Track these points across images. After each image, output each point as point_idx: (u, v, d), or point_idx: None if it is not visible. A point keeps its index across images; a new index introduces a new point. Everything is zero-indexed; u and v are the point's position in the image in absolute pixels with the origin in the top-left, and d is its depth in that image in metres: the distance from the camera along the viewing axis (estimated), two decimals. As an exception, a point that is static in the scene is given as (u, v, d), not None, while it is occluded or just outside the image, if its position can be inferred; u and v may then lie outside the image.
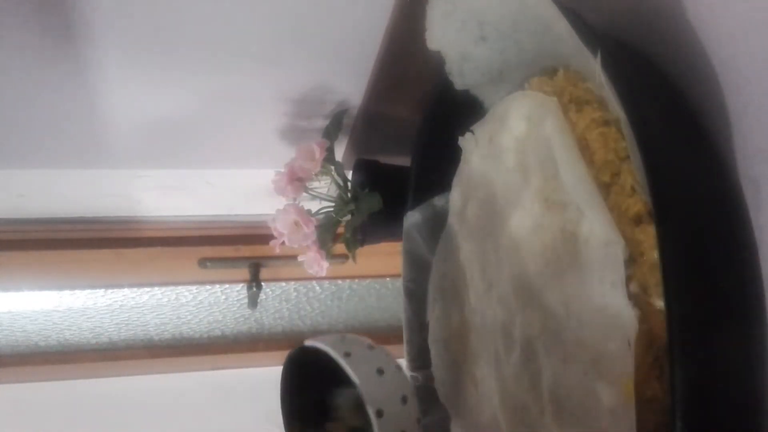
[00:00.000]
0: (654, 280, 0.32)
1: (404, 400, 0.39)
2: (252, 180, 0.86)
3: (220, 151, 0.79)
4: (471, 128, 0.51)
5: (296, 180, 0.68)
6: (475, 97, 0.51)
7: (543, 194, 0.41)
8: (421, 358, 0.56)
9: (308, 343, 0.43)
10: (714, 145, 0.36)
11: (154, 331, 1.17)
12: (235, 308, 1.17)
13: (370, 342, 0.43)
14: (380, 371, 0.40)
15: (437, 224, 0.56)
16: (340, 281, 1.17)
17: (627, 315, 0.32)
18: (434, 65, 0.50)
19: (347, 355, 0.40)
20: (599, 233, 0.35)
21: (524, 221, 0.42)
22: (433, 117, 0.57)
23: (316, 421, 0.43)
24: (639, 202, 0.34)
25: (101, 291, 1.08)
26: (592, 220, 0.36)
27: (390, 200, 0.65)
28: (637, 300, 0.33)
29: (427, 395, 0.56)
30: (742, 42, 0.33)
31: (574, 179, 0.37)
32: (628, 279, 0.33)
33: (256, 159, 0.80)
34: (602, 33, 0.36)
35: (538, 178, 0.41)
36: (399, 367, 0.42)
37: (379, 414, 0.37)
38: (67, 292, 1.06)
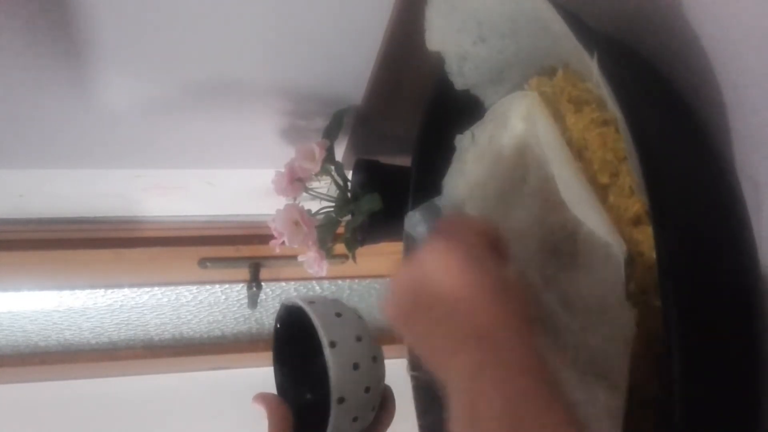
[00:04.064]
0: (652, 280, 0.32)
1: (358, 338, 0.44)
2: (252, 180, 0.86)
3: (220, 151, 0.79)
4: (471, 128, 0.51)
5: (296, 180, 0.68)
6: (475, 97, 0.51)
7: (543, 194, 0.41)
8: (421, 358, 0.56)
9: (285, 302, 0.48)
10: (712, 144, 0.36)
11: (154, 331, 1.17)
12: (235, 308, 1.17)
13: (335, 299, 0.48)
14: (338, 314, 0.45)
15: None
16: (340, 281, 1.17)
17: (626, 315, 0.32)
18: (434, 65, 0.50)
19: (311, 302, 0.45)
20: (599, 234, 0.35)
21: (524, 220, 0.42)
22: (433, 117, 0.57)
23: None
24: (637, 203, 0.34)
25: (101, 291, 1.08)
26: (589, 224, 0.36)
27: (390, 200, 0.65)
28: (636, 300, 0.33)
29: (426, 395, 0.56)
30: (740, 42, 0.33)
31: (567, 186, 0.37)
32: (627, 279, 0.33)
33: (256, 159, 0.80)
34: (600, 33, 0.36)
35: (537, 178, 0.41)
36: (357, 313, 0.47)
37: (332, 345, 0.42)
38: (67, 292, 1.06)
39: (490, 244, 0.35)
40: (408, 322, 0.34)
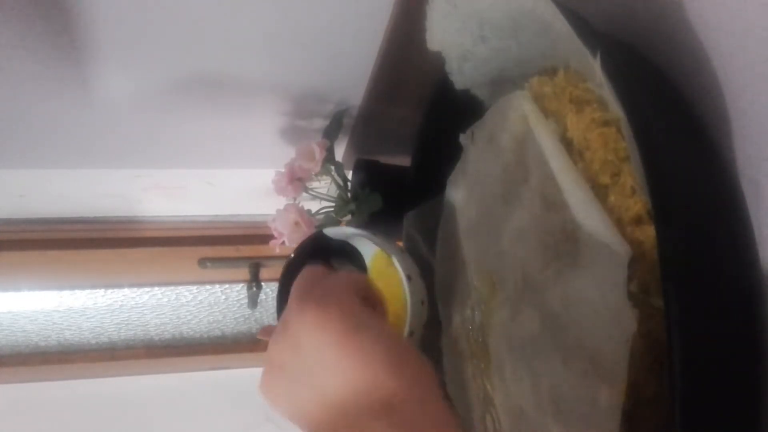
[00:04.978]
0: (654, 280, 0.32)
1: (420, 275, 0.45)
2: (252, 180, 0.86)
3: (220, 151, 0.79)
4: (471, 128, 0.51)
5: (296, 180, 0.68)
6: (475, 97, 0.51)
7: (543, 194, 0.41)
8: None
9: (328, 231, 0.48)
10: (714, 144, 0.36)
11: (154, 331, 1.17)
12: (235, 308, 1.17)
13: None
14: (402, 250, 0.46)
15: (437, 224, 0.56)
16: (340, 281, 1.17)
17: (626, 315, 0.32)
18: (434, 65, 0.50)
19: (374, 234, 0.46)
20: (600, 236, 0.35)
21: (524, 221, 0.42)
22: (433, 117, 0.57)
23: None
24: (639, 203, 0.34)
25: (101, 291, 1.08)
26: (591, 226, 0.36)
27: (390, 200, 0.65)
28: (637, 300, 0.33)
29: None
30: (742, 41, 0.33)
31: (567, 187, 0.37)
32: (628, 279, 0.33)
33: (256, 159, 0.80)
34: (602, 33, 0.36)
35: (537, 178, 0.41)
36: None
37: (409, 278, 0.43)
38: (67, 292, 1.06)
39: (363, 299, 0.32)
40: (291, 404, 0.30)
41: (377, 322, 0.30)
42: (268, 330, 0.44)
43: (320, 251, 0.47)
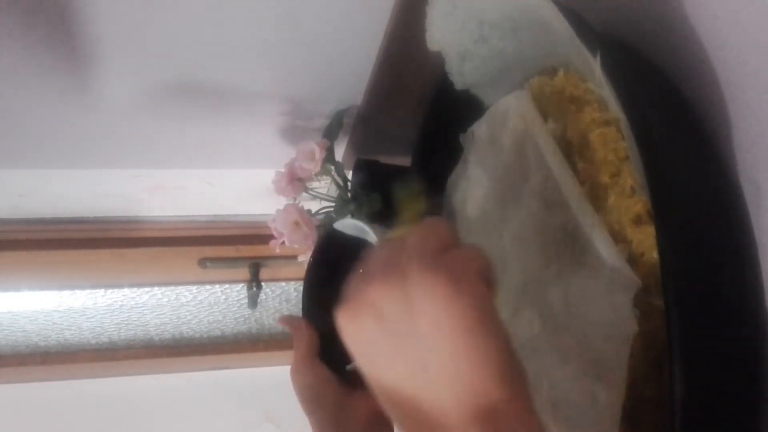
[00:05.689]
0: (654, 279, 0.32)
1: None
2: (252, 180, 0.86)
3: (220, 151, 0.79)
4: (471, 128, 0.51)
5: (296, 180, 0.68)
6: (475, 97, 0.51)
7: (543, 194, 0.41)
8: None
9: (337, 225, 0.48)
10: (714, 145, 0.36)
11: (154, 331, 1.17)
12: (235, 308, 1.17)
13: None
14: None
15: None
16: (340, 281, 1.17)
17: (626, 315, 0.32)
18: (434, 65, 0.50)
19: (372, 225, 0.45)
20: (595, 236, 0.35)
21: (525, 220, 0.42)
22: (433, 117, 0.57)
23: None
24: (639, 203, 0.34)
25: (101, 291, 1.07)
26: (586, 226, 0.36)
27: (390, 200, 0.65)
28: (637, 300, 0.33)
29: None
30: (742, 42, 0.33)
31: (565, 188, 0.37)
32: (628, 279, 0.33)
33: (256, 159, 0.80)
34: (602, 33, 0.36)
35: (537, 178, 0.41)
36: None
37: None
38: (67, 292, 1.06)
39: (479, 274, 0.28)
40: (373, 355, 0.28)
41: (499, 321, 0.27)
42: (289, 318, 0.43)
43: (335, 249, 0.47)
